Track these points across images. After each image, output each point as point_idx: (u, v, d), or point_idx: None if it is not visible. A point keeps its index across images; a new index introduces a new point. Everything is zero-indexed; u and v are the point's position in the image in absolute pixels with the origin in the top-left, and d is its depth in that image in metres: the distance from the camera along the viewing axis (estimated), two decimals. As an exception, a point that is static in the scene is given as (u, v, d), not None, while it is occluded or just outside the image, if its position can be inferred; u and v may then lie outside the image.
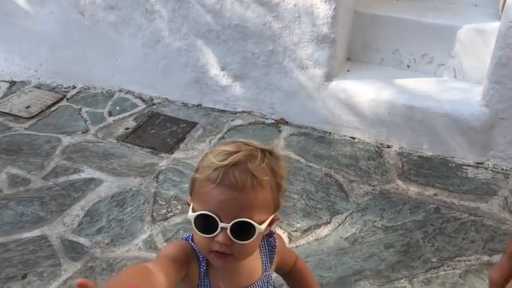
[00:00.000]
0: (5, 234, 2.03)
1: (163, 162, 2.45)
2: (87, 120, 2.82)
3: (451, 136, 2.41)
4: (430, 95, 2.46)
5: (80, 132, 2.71)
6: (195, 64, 2.78)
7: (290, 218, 2.09)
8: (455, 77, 2.56)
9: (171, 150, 2.55)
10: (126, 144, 2.61)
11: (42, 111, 2.89)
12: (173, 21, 2.69)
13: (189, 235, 0.98)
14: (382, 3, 2.68)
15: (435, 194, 2.23)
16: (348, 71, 2.65)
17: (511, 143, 2.33)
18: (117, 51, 2.93)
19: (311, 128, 2.67)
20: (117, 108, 2.92)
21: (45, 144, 2.60)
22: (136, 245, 1.99)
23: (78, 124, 2.79)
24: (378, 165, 2.41)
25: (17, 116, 2.85)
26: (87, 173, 2.38)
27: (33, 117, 2.84)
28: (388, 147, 2.53)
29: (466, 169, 2.38)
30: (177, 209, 2.15)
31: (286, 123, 2.72)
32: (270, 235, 1.06)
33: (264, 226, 0.90)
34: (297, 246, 1.97)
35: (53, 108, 2.93)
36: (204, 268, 0.95)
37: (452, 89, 2.49)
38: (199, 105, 2.89)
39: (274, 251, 1.06)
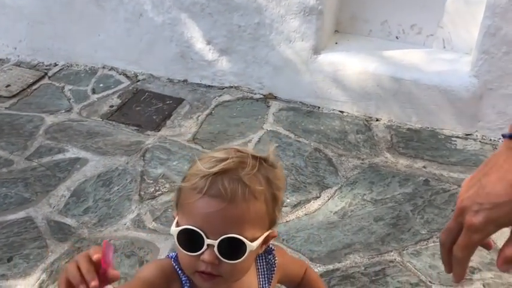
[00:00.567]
0: (-11, 216, 1.99)
1: (150, 140, 2.41)
2: (70, 99, 2.75)
3: (439, 108, 2.40)
4: (419, 67, 2.43)
5: (63, 111, 2.64)
6: (179, 38, 2.71)
7: (279, 194, 2.08)
8: (444, 47, 2.53)
9: (157, 127, 2.51)
10: (111, 122, 2.55)
11: (23, 90, 2.81)
12: (156, -6, 2.61)
13: (175, 253, 0.88)
14: (370, -27, 2.62)
15: (424, 166, 2.23)
16: (336, 43, 2.61)
17: (499, 114, 2.33)
18: (99, 26, 2.84)
19: (300, 102, 2.64)
20: (101, 85, 2.85)
21: (27, 124, 2.53)
22: (125, 224, 1.97)
23: (61, 102, 2.72)
24: (366, 138, 2.40)
25: (-3, 95, 2.77)
26: (72, 152, 2.33)
27: (13, 96, 2.76)
28: (377, 120, 2.52)
29: (455, 141, 2.38)
30: (165, 187, 2.12)
31: (275, 98, 2.68)
32: (269, 252, 0.95)
33: (256, 244, 0.79)
34: (287, 222, 1.96)
35: (34, 87, 2.85)
36: None
37: (441, 60, 2.46)
38: (185, 80, 2.84)
39: (274, 270, 0.96)
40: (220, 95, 2.72)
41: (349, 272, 1.77)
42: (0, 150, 2.33)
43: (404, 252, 1.85)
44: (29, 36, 3.01)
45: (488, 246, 0.71)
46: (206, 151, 2.23)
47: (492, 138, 2.37)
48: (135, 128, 2.51)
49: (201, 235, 0.77)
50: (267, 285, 0.95)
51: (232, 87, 2.76)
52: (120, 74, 2.93)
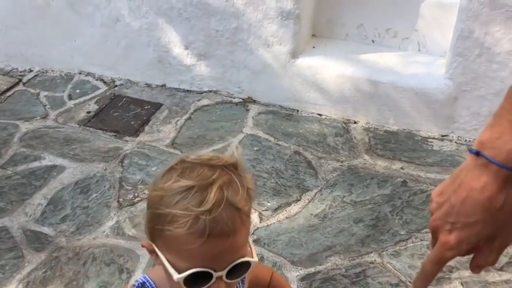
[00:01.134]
0: (-37, 227, 1.94)
1: (128, 145, 2.39)
2: (46, 105, 2.70)
3: (416, 110, 2.44)
4: (395, 70, 2.47)
5: (38, 118, 2.59)
6: (157, 43, 2.69)
7: (260, 198, 2.08)
8: (419, 50, 2.57)
9: (135, 133, 2.48)
10: (88, 128, 2.52)
11: (-3, 96, 2.76)
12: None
13: (141, 281, 0.86)
14: (346, -22, 2.65)
15: (402, 168, 2.26)
16: (314, 47, 2.63)
17: (473, 115, 2.38)
18: (75, 31, 2.80)
19: (279, 106, 2.64)
20: (78, 91, 2.80)
21: (1, 131, 2.47)
22: (104, 232, 1.93)
23: (36, 109, 2.66)
24: (345, 141, 2.42)
25: (-31, 102, 2.70)
26: (49, 160, 2.28)
27: (-13, 103, 2.70)
28: (355, 122, 2.54)
29: (432, 142, 2.42)
30: (144, 193, 2.10)
31: (254, 101, 2.68)
32: None
33: (255, 255, 0.80)
34: (268, 226, 1.96)
35: (8, 94, 2.79)
36: None
37: (417, 63, 2.50)
38: (164, 85, 2.82)
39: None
40: (199, 100, 2.71)
41: (330, 275, 1.78)
42: (-27, 159, 2.28)
43: (384, 253, 1.86)
44: (2, 41, 2.94)
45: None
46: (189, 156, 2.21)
47: (467, 139, 2.42)
48: (113, 134, 2.48)
49: (209, 273, 0.75)
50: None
51: (211, 91, 2.75)
52: (97, 80, 2.89)
